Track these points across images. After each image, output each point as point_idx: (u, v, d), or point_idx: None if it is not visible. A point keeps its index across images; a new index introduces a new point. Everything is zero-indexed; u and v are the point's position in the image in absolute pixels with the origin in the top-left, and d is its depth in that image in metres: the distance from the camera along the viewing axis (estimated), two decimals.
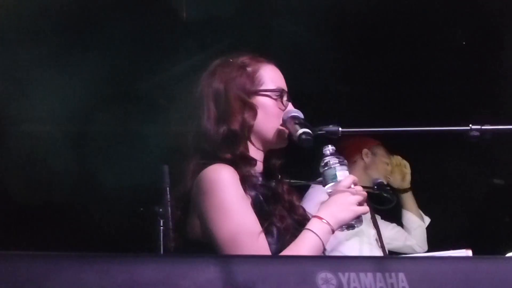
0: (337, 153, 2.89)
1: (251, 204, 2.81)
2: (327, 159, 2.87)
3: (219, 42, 5.24)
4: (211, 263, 1.98)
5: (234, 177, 2.80)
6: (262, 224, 2.79)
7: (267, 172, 3.04)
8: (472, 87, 5.58)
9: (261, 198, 2.89)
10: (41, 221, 5.28)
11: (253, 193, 2.87)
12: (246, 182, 2.85)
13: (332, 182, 2.86)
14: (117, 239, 5.24)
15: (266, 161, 3.05)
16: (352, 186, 2.85)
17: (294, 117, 2.90)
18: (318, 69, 5.49)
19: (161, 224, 3.43)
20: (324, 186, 2.90)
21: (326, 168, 2.88)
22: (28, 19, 4.96)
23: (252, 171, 2.91)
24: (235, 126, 2.92)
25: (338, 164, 2.86)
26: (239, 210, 2.77)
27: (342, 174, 2.86)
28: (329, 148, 2.89)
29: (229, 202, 2.76)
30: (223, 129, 2.92)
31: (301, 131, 2.80)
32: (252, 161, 2.93)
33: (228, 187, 2.78)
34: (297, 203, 3.04)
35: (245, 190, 2.82)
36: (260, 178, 2.96)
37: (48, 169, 5.33)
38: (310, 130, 2.80)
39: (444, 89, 5.66)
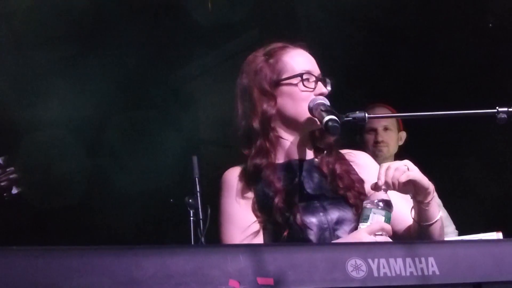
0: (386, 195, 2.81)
1: (254, 200, 2.96)
2: (377, 198, 2.80)
3: (245, 36, 5.25)
4: (241, 252, 1.99)
5: (235, 182, 2.98)
6: (261, 218, 2.93)
7: (316, 148, 3.09)
8: (500, 69, 5.54)
9: (267, 191, 2.96)
10: (72, 216, 5.32)
11: (259, 187, 2.96)
12: (256, 177, 2.96)
13: (364, 222, 2.81)
14: (148, 230, 5.28)
15: (317, 139, 3.10)
16: (379, 233, 2.76)
17: (320, 104, 2.90)
18: (346, 52, 5.48)
19: (192, 214, 3.46)
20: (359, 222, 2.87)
21: (366, 205, 2.83)
22: (44, 25, 5.00)
23: (270, 164, 2.98)
24: (255, 121, 2.99)
25: (375, 207, 2.79)
26: (232, 214, 2.95)
27: (375, 218, 2.78)
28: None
29: (226, 208, 2.98)
30: (243, 123, 3.02)
31: (327, 118, 2.80)
32: (269, 154, 2.99)
33: (227, 192, 2.99)
34: (340, 171, 3.03)
35: (250, 186, 2.97)
36: (280, 169, 3.01)
37: (79, 165, 5.38)
38: (337, 116, 2.80)
39: (471, 72, 5.62)
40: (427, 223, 2.85)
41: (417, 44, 5.67)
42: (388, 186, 2.77)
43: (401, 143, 5.17)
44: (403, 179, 2.76)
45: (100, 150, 5.61)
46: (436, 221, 2.85)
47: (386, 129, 5.06)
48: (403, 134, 5.18)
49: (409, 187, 2.80)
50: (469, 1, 5.48)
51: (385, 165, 2.82)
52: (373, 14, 5.45)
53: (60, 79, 5.26)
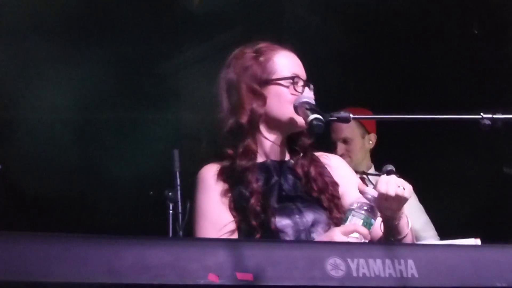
0: (372, 201, 2.79)
1: (230, 199, 2.93)
2: (360, 202, 2.81)
3: (229, 30, 5.24)
4: (221, 246, 1.98)
5: (213, 180, 2.95)
6: (237, 218, 2.91)
7: (292, 150, 3.09)
8: (484, 75, 5.56)
9: (244, 191, 2.95)
10: (51, 207, 5.30)
11: (237, 187, 2.95)
12: (238, 177, 2.94)
13: (343, 223, 2.81)
14: (126, 222, 5.26)
15: (294, 141, 3.09)
16: (352, 235, 2.73)
17: (305, 103, 2.91)
18: (330, 55, 5.49)
19: (170, 208, 3.46)
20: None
21: (350, 206, 2.83)
22: (37, 12, 4.98)
23: (253, 164, 2.96)
24: (243, 118, 2.99)
25: (356, 210, 2.78)
26: (208, 211, 2.92)
27: (353, 220, 2.77)
28: (370, 194, 2.80)
29: (201, 205, 2.95)
30: (231, 121, 2.99)
31: (312, 117, 2.80)
32: (255, 155, 2.99)
33: (203, 190, 2.95)
34: (314, 174, 3.04)
35: (228, 185, 2.94)
36: (257, 169, 3.00)
37: (59, 155, 5.36)
38: (321, 116, 2.80)
39: (455, 78, 5.63)
40: (395, 238, 2.83)
41: (402, 47, 5.68)
42: (380, 194, 2.75)
43: (370, 146, 5.14)
44: (392, 192, 2.72)
45: (80, 141, 5.58)
46: (405, 235, 2.85)
47: (345, 141, 5.05)
48: (372, 137, 5.14)
49: (389, 203, 2.77)
50: (455, 6, 5.50)
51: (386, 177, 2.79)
52: (359, 15, 5.46)
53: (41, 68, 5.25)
